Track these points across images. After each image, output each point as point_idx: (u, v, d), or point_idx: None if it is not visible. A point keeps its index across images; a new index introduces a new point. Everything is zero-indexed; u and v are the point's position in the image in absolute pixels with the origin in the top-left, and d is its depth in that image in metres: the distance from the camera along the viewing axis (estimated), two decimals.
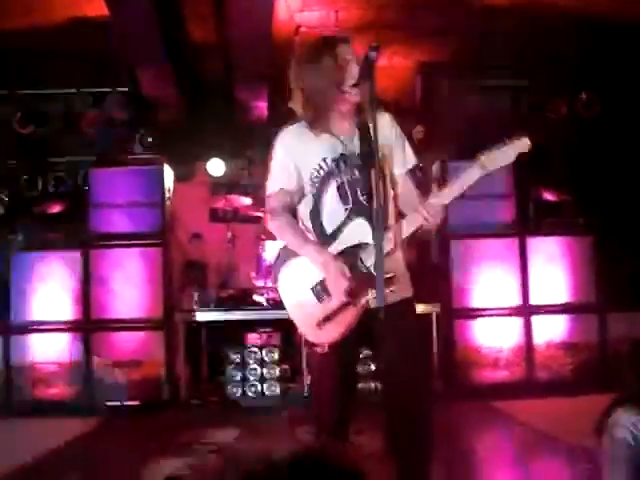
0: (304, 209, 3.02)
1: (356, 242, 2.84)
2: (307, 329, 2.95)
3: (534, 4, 6.08)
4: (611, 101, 7.47)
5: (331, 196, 2.92)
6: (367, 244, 2.80)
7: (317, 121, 2.93)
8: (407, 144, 3.05)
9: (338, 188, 2.91)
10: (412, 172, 3.06)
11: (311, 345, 2.99)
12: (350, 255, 2.85)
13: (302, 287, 2.93)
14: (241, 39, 6.07)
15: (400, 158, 3.01)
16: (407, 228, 2.84)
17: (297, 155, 2.98)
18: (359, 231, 2.83)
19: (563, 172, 7.33)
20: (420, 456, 2.92)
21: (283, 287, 3.03)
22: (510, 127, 7.31)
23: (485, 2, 6.12)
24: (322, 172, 2.92)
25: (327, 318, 2.86)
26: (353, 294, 2.82)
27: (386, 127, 2.98)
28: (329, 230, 2.92)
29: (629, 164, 7.18)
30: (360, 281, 2.82)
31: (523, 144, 2.74)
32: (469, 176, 2.75)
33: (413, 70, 7.70)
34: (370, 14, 6.34)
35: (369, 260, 2.79)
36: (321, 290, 2.89)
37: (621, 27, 6.43)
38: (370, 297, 2.78)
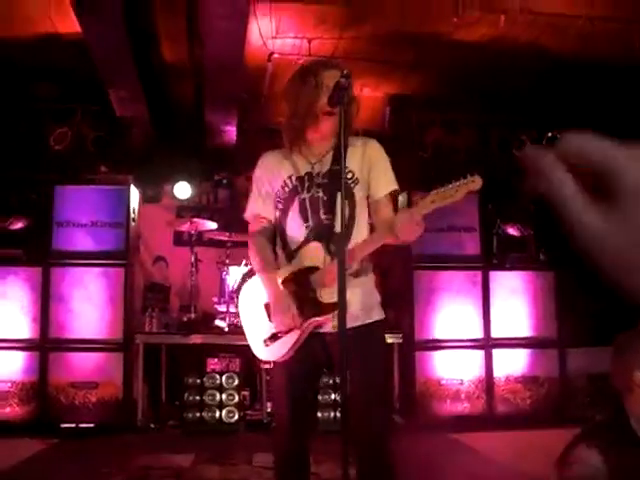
0: (277, 227, 3.09)
1: (309, 265, 2.88)
2: (255, 345, 3.05)
3: (504, 41, 6.18)
4: None
5: (293, 213, 2.97)
6: (318, 268, 2.85)
7: (295, 140, 2.99)
8: (390, 170, 3.07)
9: (299, 205, 2.95)
10: (392, 197, 3.07)
11: (256, 364, 3.10)
12: (301, 278, 2.89)
13: (257, 303, 3.00)
14: (213, 62, 6.09)
15: (382, 181, 3.03)
16: (372, 245, 2.85)
17: (269, 177, 3.07)
18: (313, 255, 2.88)
19: (527, 208, 7.42)
20: None
21: (242, 301, 3.16)
22: (476, 162, 7.43)
23: (455, 37, 6.21)
24: (286, 189, 2.99)
25: (273, 337, 2.94)
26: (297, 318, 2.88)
27: (371, 151, 3.03)
28: (292, 247, 2.97)
29: None
30: (305, 306, 2.87)
31: (474, 183, 2.72)
32: (419, 210, 2.71)
33: (383, 101, 7.78)
34: (342, 45, 6.40)
35: (317, 284, 2.84)
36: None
37: (589, 67, 6.56)
38: (311, 322, 2.84)
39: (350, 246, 2.84)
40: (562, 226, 0.62)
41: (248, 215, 3.16)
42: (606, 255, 0.58)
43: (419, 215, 2.65)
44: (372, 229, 3.01)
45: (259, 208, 3.10)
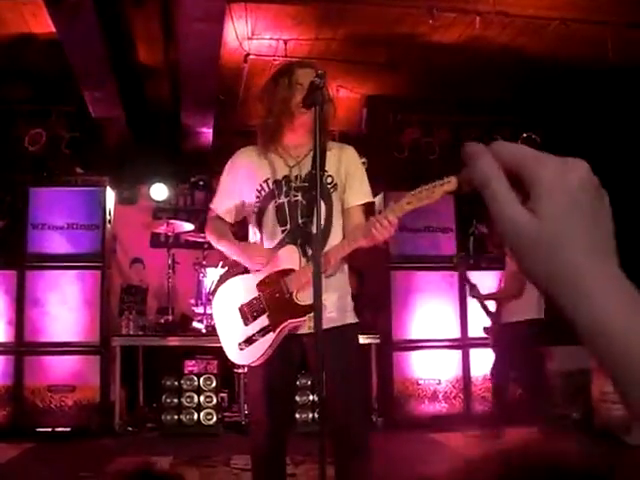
0: (251, 228, 3.09)
1: (284, 267, 2.88)
2: (229, 349, 3.04)
3: (480, 43, 6.23)
4: (552, 141, 7.67)
5: (270, 217, 2.97)
6: (293, 270, 2.85)
7: (270, 140, 3.00)
8: (365, 180, 3.08)
9: (276, 209, 2.95)
10: (365, 207, 3.08)
11: (234, 366, 3.07)
12: (277, 280, 2.90)
13: (232, 307, 3.00)
14: (189, 64, 6.07)
15: (356, 191, 3.04)
16: (346, 248, 2.85)
17: (243, 176, 3.06)
18: (288, 257, 2.88)
19: None
20: None
21: (216, 305, 3.15)
22: (451, 162, 7.47)
23: (432, 39, 6.24)
24: (263, 193, 2.98)
25: (248, 340, 2.94)
26: (272, 320, 2.87)
27: (348, 159, 3.04)
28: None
29: None
30: (281, 307, 2.87)
31: (450, 184, 2.75)
32: (394, 211, 2.73)
33: (360, 101, 7.80)
34: (319, 46, 6.42)
35: (292, 286, 2.84)
36: (247, 312, 2.95)
37: (563, 68, 6.63)
38: (287, 324, 2.84)
39: (325, 250, 2.84)
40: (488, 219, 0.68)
41: (213, 207, 3.17)
42: (522, 245, 0.64)
43: (393, 217, 2.67)
44: (344, 234, 3.01)
45: (221, 208, 3.12)
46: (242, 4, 5.63)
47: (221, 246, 3.09)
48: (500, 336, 6.11)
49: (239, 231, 3.23)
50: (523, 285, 5.98)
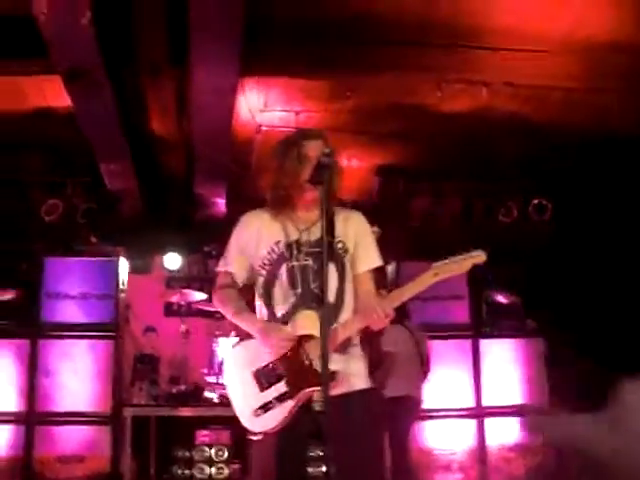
0: (258, 291, 3.04)
1: (302, 333, 2.86)
2: (244, 415, 2.93)
3: (487, 112, 6.31)
4: (563, 206, 7.69)
5: (281, 280, 2.95)
6: (312, 336, 2.82)
7: (279, 207, 3.00)
8: (374, 244, 3.07)
9: (288, 272, 2.94)
10: (374, 272, 3.07)
11: (247, 432, 2.96)
12: (296, 346, 2.85)
13: (245, 372, 2.93)
14: (201, 135, 6.18)
15: (365, 256, 3.03)
16: (355, 325, 2.86)
17: (252, 237, 3.04)
18: (306, 323, 2.85)
19: (515, 275, 7.46)
20: None
21: (227, 370, 3.07)
22: (463, 230, 7.49)
23: (441, 109, 6.33)
24: (274, 255, 2.97)
25: (264, 407, 2.86)
26: (291, 387, 2.83)
27: (356, 224, 3.05)
28: (279, 314, 2.94)
29: (580, 268, 7.34)
30: (300, 374, 2.83)
31: (479, 257, 2.77)
32: (422, 282, 2.78)
33: (371, 171, 7.88)
34: (329, 117, 6.52)
35: (313, 353, 2.81)
36: (263, 377, 2.89)
37: (574, 135, 6.70)
38: (307, 392, 2.81)
39: (341, 319, 2.86)
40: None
41: (220, 269, 3.13)
42: None
43: (418, 289, 2.74)
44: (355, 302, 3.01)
45: (232, 268, 3.08)
46: (254, 78, 5.75)
47: (236, 320, 3.02)
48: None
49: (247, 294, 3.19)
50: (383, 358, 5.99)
